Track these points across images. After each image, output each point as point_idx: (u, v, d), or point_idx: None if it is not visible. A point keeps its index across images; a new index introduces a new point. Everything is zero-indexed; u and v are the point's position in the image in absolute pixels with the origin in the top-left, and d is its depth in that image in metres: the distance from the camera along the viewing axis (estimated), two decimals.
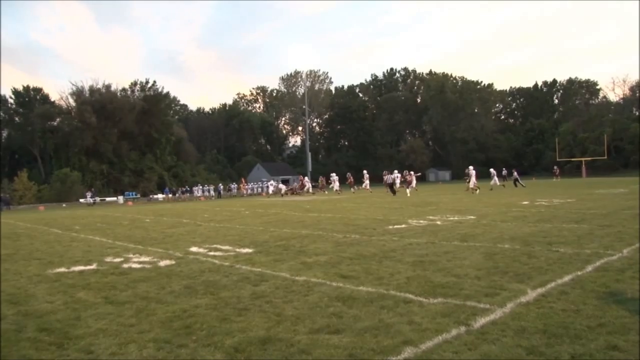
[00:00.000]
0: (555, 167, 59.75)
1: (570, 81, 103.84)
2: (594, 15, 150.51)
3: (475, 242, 9.31)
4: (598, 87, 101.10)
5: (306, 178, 48.21)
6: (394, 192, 32.65)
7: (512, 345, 3.83)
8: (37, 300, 6.20)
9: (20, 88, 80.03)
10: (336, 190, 41.04)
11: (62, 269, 8.40)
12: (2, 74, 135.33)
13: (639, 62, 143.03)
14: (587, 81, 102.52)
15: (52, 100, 76.61)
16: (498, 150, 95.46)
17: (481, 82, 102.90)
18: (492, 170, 40.02)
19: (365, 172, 42.48)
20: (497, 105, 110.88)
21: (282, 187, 48.07)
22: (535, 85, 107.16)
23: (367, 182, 41.02)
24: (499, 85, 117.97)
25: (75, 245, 12.00)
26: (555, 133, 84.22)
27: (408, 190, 33.76)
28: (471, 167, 33.16)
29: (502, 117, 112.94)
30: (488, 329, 4.24)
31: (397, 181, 39.22)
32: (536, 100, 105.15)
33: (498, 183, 38.95)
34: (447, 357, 3.69)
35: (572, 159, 72.29)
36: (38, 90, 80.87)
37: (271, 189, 50.42)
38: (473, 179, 31.79)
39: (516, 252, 8.00)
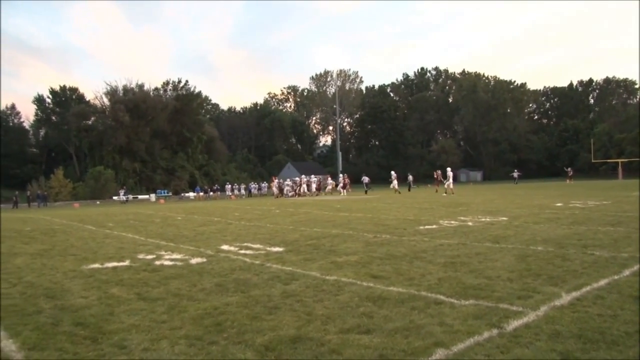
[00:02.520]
0: (568, 168, 57.96)
1: (607, 80, 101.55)
2: (632, 12, 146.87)
3: (507, 244, 9.17)
4: (637, 86, 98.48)
5: (304, 177, 47.28)
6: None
7: (546, 349, 3.76)
8: (73, 295, 6.32)
9: (57, 88, 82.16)
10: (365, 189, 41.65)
11: (96, 265, 8.56)
12: (39, 74, 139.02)
13: None
14: (625, 80, 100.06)
15: (87, 99, 78.78)
16: (531, 151, 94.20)
17: (514, 81, 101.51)
18: (393, 172, 40.78)
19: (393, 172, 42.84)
20: (530, 105, 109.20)
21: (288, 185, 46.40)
22: (570, 84, 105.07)
23: (395, 182, 41.29)
24: (532, 85, 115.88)
25: (109, 242, 12.20)
26: (590, 134, 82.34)
27: (343, 191, 40.97)
28: (448, 169, 34.22)
29: (536, 117, 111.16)
30: (521, 332, 4.16)
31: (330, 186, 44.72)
32: (571, 100, 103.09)
33: (396, 187, 39.91)
34: (479, 359, 3.64)
35: (608, 160, 70.62)
36: (74, 90, 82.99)
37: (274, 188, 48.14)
38: (450, 180, 32.90)
39: (550, 255, 7.85)
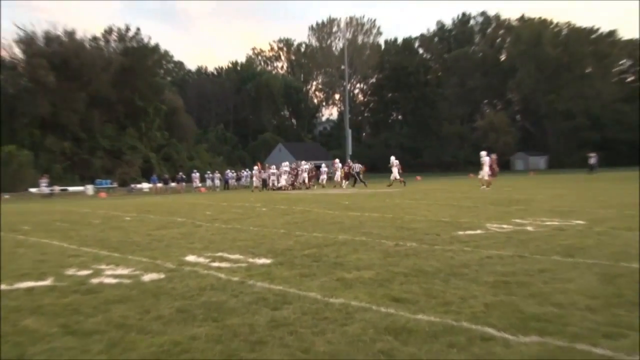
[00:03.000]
0: None
1: None
2: None
3: (586, 258, 9.12)
4: None
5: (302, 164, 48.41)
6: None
7: None
8: None
9: None
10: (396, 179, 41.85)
11: (2, 286, 8.46)
12: None
13: None
14: None
15: None
16: (621, 127, 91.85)
17: (597, 29, 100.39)
18: (393, 158, 42.75)
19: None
20: (622, 62, 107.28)
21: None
22: None
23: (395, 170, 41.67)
24: (626, 33, 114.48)
25: (23, 253, 12.16)
26: None
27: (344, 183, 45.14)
28: (484, 153, 34.86)
29: (630, 79, 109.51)
30: None
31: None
32: None
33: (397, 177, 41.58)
34: None
35: None
36: None
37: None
38: (487, 167, 33.38)
39: None
